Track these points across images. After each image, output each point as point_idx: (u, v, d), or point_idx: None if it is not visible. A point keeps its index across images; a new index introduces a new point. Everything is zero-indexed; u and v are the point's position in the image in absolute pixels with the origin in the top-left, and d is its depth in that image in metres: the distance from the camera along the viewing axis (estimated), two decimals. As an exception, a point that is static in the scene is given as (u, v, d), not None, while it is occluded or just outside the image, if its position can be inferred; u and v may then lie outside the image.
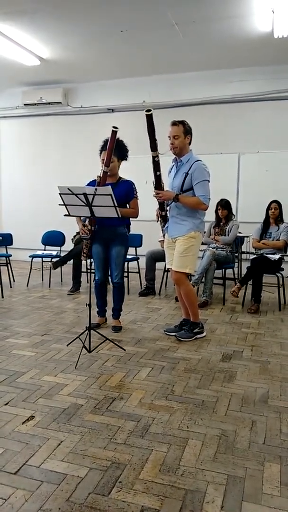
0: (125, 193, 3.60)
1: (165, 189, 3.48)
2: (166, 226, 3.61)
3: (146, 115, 3.18)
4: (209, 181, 3.37)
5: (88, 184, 3.60)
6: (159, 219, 3.68)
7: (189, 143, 3.44)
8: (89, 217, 3.25)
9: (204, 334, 3.66)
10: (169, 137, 3.39)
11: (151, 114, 3.18)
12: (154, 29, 5.33)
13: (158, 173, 3.39)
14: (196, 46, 5.84)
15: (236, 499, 1.60)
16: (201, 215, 3.49)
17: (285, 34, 5.19)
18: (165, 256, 5.33)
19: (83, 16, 4.99)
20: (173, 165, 3.57)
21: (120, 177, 3.71)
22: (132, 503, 1.58)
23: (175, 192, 3.39)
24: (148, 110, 3.16)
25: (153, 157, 3.31)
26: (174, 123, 3.38)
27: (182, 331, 3.61)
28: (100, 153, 3.64)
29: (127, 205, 3.68)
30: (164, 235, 3.75)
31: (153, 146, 3.27)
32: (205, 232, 4.78)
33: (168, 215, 3.57)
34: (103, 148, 3.61)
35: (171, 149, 3.41)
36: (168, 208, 3.56)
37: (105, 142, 3.62)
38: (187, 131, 3.38)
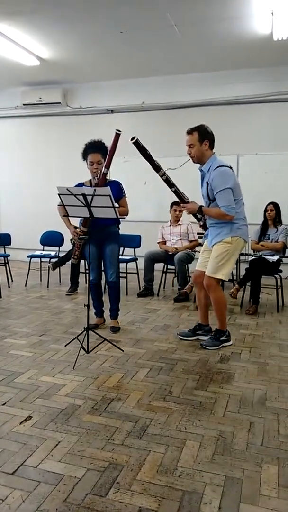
0: (115, 193, 3.60)
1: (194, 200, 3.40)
2: (206, 233, 3.52)
3: (132, 142, 3.16)
4: (230, 187, 3.18)
5: (75, 187, 3.60)
6: (201, 227, 3.58)
7: (211, 147, 3.28)
8: (89, 218, 3.25)
9: (231, 342, 3.47)
10: (186, 146, 3.28)
11: (137, 140, 3.17)
12: (153, 30, 5.33)
13: (173, 189, 3.34)
14: (196, 47, 5.84)
15: (233, 501, 1.60)
16: (240, 218, 3.30)
17: (284, 37, 5.20)
18: (163, 257, 5.41)
19: (82, 17, 4.99)
20: (201, 174, 3.43)
21: (106, 178, 3.70)
22: (130, 504, 1.58)
23: (198, 205, 3.33)
24: (133, 138, 3.16)
25: (161, 177, 3.26)
26: (188, 132, 3.26)
27: (210, 340, 3.42)
28: (84, 157, 3.64)
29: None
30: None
31: (154, 167, 3.24)
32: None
33: (207, 223, 3.45)
34: (87, 151, 3.61)
35: (189, 159, 3.31)
36: (206, 217, 3.43)
37: (88, 145, 3.63)
38: (203, 137, 3.22)
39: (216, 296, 3.38)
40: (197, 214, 3.46)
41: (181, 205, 3.43)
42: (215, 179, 3.18)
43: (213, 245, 3.34)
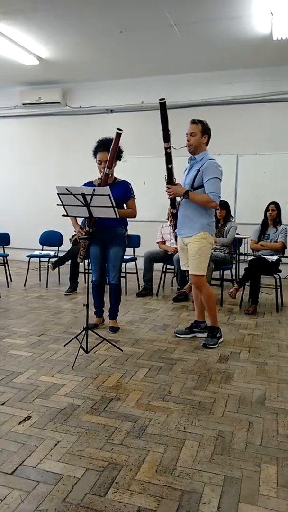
0: (123, 193, 3.60)
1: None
2: (175, 225, 3.54)
3: (160, 103, 3.14)
4: (220, 179, 3.31)
5: (85, 185, 3.60)
6: (170, 217, 3.58)
7: (207, 144, 3.41)
8: (88, 217, 3.25)
9: (222, 338, 3.57)
10: (186, 134, 3.37)
11: (165, 102, 3.15)
12: (153, 30, 5.34)
13: (170, 166, 3.33)
14: (195, 47, 5.85)
15: (232, 500, 1.60)
16: (210, 215, 3.40)
17: (284, 36, 5.21)
18: (162, 257, 5.41)
19: (82, 16, 4.99)
20: (188, 164, 3.50)
21: (115, 178, 3.70)
22: (129, 503, 1.57)
23: (184, 189, 3.35)
24: (162, 99, 3.14)
25: (165, 149, 3.24)
26: (193, 122, 3.37)
27: (209, 339, 3.47)
28: (95, 154, 3.63)
29: (124, 206, 3.67)
30: (176, 237, 3.64)
31: (166, 137, 3.22)
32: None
33: (179, 214, 3.48)
34: (97, 149, 3.61)
35: (186, 146, 3.37)
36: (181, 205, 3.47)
37: (99, 143, 3.62)
38: (205, 131, 3.36)
39: (205, 293, 3.48)
40: (177, 199, 3.45)
41: (167, 186, 3.40)
42: (209, 167, 3.29)
43: (185, 237, 3.42)
